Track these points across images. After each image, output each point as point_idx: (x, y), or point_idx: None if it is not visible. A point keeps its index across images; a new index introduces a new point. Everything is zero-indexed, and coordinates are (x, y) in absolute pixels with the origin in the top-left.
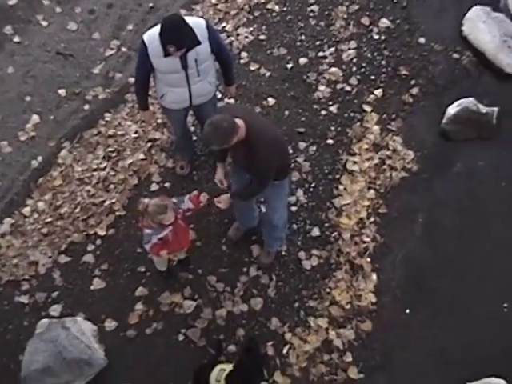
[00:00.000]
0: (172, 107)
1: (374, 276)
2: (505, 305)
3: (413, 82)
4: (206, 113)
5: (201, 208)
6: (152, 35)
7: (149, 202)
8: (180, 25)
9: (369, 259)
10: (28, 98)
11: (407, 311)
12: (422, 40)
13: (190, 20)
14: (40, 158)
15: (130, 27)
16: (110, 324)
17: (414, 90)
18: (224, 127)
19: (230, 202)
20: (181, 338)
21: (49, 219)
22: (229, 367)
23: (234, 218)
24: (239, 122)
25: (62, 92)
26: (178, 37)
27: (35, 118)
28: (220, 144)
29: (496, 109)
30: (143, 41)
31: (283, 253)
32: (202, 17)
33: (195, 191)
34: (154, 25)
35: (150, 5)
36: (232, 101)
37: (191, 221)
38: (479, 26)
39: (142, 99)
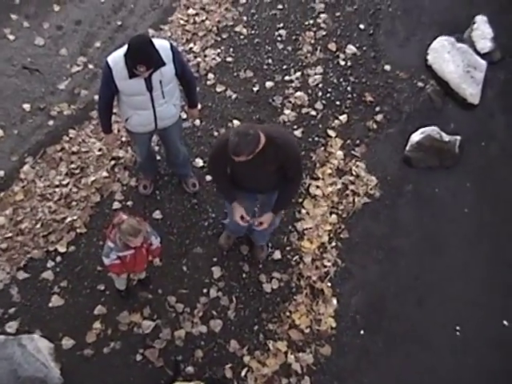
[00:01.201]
0: (137, 130)
1: (335, 301)
2: (457, 328)
3: (378, 108)
4: (172, 136)
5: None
6: (116, 57)
7: (125, 220)
8: (148, 44)
9: (329, 284)
10: None
11: (361, 332)
12: (387, 67)
13: (154, 41)
14: (2, 173)
15: (97, 44)
16: (67, 342)
17: (379, 117)
18: (252, 134)
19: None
20: (139, 357)
21: (8, 234)
22: None
23: (196, 238)
24: (257, 130)
25: (26, 107)
26: (146, 56)
27: None
28: (250, 152)
29: (459, 137)
30: (107, 63)
31: (244, 275)
32: (170, 37)
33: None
34: (120, 46)
35: (119, 23)
36: (197, 122)
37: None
38: (444, 56)
39: (106, 122)
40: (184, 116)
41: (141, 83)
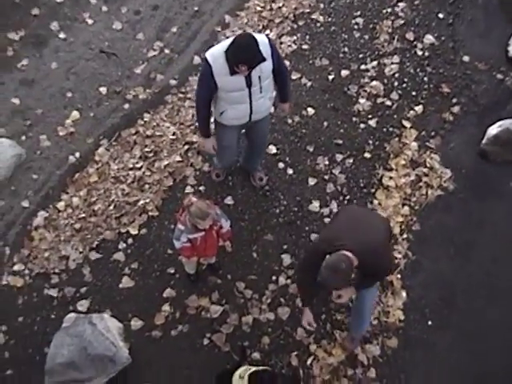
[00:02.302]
0: (232, 124)
1: (404, 293)
2: None
3: (454, 100)
4: (263, 128)
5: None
6: (216, 54)
7: (194, 202)
8: (253, 44)
9: (399, 276)
10: (69, 94)
11: (429, 326)
12: (466, 58)
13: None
14: (77, 154)
15: (174, 30)
16: (136, 323)
17: (455, 109)
18: (342, 269)
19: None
20: (205, 342)
21: (82, 215)
22: (255, 368)
23: (267, 225)
24: (349, 254)
25: (103, 90)
26: (250, 56)
27: (75, 114)
28: (342, 285)
29: None
30: (207, 60)
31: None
32: (246, 23)
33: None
34: (197, 31)
35: (195, 8)
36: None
37: None
38: None
39: (205, 124)
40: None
41: (241, 80)
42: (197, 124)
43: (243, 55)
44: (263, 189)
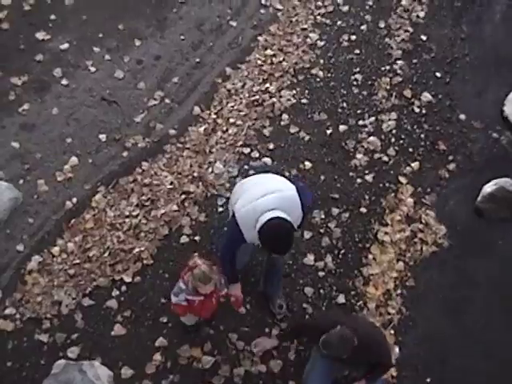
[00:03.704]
0: (254, 242)
1: (397, 349)
2: None
3: (450, 157)
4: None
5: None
6: (248, 224)
7: (199, 265)
8: (290, 238)
9: (392, 331)
10: (69, 140)
11: (428, 380)
12: (462, 117)
13: (289, 203)
14: (74, 200)
15: (175, 80)
16: (126, 372)
17: (451, 166)
18: (349, 342)
19: None
20: None
21: (77, 261)
22: None
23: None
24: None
25: (102, 137)
26: (284, 250)
27: (74, 159)
28: (340, 354)
29: None
30: (237, 224)
31: (306, 317)
32: (246, 76)
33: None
34: (198, 81)
35: (197, 60)
36: (269, 161)
37: None
38: None
39: (233, 272)
40: None
41: None
42: (222, 265)
43: (277, 248)
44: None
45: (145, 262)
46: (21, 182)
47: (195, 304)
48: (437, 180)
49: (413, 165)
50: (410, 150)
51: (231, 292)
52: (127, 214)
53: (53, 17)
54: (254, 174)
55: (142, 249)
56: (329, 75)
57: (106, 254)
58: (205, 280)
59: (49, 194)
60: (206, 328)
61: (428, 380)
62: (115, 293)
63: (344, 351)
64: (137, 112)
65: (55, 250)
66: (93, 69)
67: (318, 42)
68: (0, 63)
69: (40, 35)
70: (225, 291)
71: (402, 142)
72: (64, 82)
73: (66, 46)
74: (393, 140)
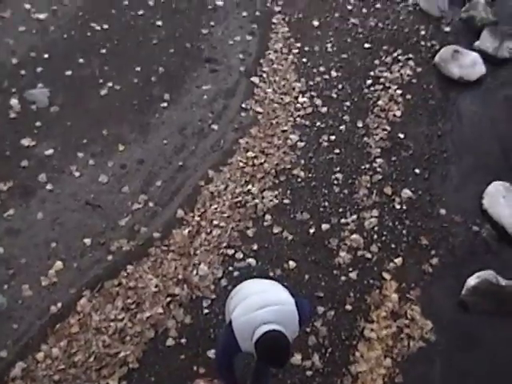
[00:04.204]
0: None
1: None
2: None
3: (433, 252)
4: None
5: None
6: (244, 334)
7: None
8: (287, 352)
9: None
10: (54, 244)
11: None
12: (442, 211)
13: (287, 318)
14: (59, 304)
15: (158, 183)
16: None
17: (434, 260)
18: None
19: None
20: None
21: (62, 366)
22: None
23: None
24: None
25: (87, 241)
26: (281, 362)
27: (59, 264)
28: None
29: None
30: (233, 332)
31: None
32: (229, 178)
33: None
34: (181, 185)
35: (180, 163)
36: (253, 262)
37: None
38: (499, 201)
39: (233, 378)
40: None
41: None
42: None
43: (273, 362)
44: None
45: (130, 365)
46: (5, 287)
47: None
48: (420, 275)
49: (396, 260)
50: (393, 245)
51: None
52: (112, 317)
53: (38, 123)
54: (242, 276)
55: (128, 353)
56: (310, 175)
57: (91, 359)
58: None
59: (33, 299)
60: None
61: None
62: None
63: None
64: (121, 216)
65: (40, 355)
66: (77, 174)
67: (299, 142)
68: None
69: (25, 141)
70: None
71: (384, 238)
72: (49, 187)
73: (50, 151)
74: (375, 237)
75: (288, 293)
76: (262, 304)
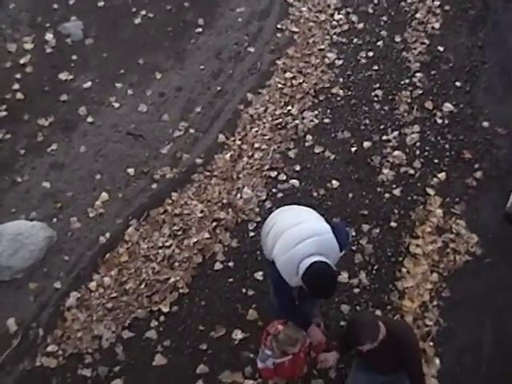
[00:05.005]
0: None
1: (437, 361)
2: None
3: (476, 165)
4: None
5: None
6: (290, 272)
7: (281, 330)
8: (334, 281)
9: (432, 343)
10: (98, 176)
11: None
12: (485, 124)
13: (327, 246)
14: (108, 235)
15: (197, 109)
16: None
17: (478, 174)
18: (369, 321)
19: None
20: None
21: (114, 294)
22: None
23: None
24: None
25: (130, 171)
26: (329, 293)
27: (104, 195)
28: (371, 340)
29: None
30: (280, 275)
31: None
32: (268, 100)
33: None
34: (220, 109)
35: (218, 88)
36: (296, 183)
37: None
38: None
39: (301, 318)
40: None
41: None
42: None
43: (322, 293)
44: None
45: (181, 291)
46: (54, 220)
47: (285, 365)
48: (464, 189)
49: (439, 176)
50: (436, 161)
51: (312, 338)
52: (160, 244)
53: (74, 57)
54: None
55: (178, 278)
56: (349, 93)
57: (142, 286)
58: (292, 342)
59: (82, 231)
60: (245, 352)
61: None
62: (154, 323)
63: (368, 335)
64: (163, 144)
65: (92, 285)
66: (116, 104)
67: (336, 61)
68: (26, 106)
69: (63, 76)
70: (308, 341)
71: (426, 153)
72: (89, 119)
73: (88, 84)
74: (417, 152)
75: (322, 219)
76: (299, 238)
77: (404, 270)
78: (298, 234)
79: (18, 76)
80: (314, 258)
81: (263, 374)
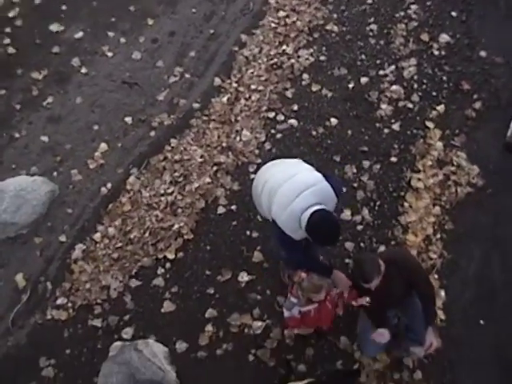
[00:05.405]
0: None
1: (443, 293)
2: None
3: (475, 96)
4: None
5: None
6: (292, 227)
7: (305, 278)
8: (337, 227)
9: (436, 276)
10: (96, 127)
11: (481, 322)
12: (482, 54)
13: (323, 195)
14: (109, 185)
15: (192, 54)
16: (180, 346)
17: (477, 105)
18: (368, 257)
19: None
20: (251, 358)
21: (119, 244)
22: (301, 383)
23: None
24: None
25: (128, 120)
26: (335, 238)
27: (103, 146)
28: (377, 273)
29: None
30: (283, 232)
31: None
32: (262, 40)
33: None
34: (214, 53)
35: (211, 31)
36: (295, 123)
37: None
38: None
39: (321, 266)
40: None
41: None
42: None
43: (328, 240)
44: None
45: (185, 237)
46: (55, 174)
47: (311, 314)
48: (464, 120)
49: (438, 108)
50: (434, 93)
51: (338, 283)
52: (162, 192)
53: (64, 7)
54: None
55: (181, 224)
56: (344, 29)
57: (146, 234)
58: (316, 289)
59: (83, 183)
60: (252, 294)
61: (476, 320)
62: (160, 271)
63: (373, 269)
64: (159, 91)
65: (97, 236)
66: (110, 54)
67: None
68: (19, 60)
69: (54, 27)
70: (336, 290)
71: (424, 86)
72: (83, 70)
73: (80, 34)
74: (415, 86)
75: (312, 169)
76: (296, 193)
77: (406, 204)
78: (293, 188)
79: (8, 30)
80: (313, 208)
81: (289, 322)
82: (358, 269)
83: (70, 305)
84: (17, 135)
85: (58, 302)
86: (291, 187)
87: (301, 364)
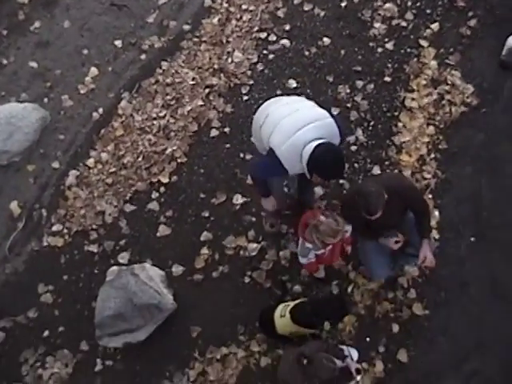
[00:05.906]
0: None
1: (436, 212)
2: None
3: (470, 13)
4: None
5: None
6: (292, 160)
7: (323, 221)
8: (343, 159)
9: (430, 196)
10: (85, 51)
11: (472, 239)
12: None
13: (328, 130)
14: (101, 110)
15: None
16: (177, 269)
17: (472, 22)
18: (375, 190)
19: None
20: (247, 280)
21: (112, 169)
22: (293, 303)
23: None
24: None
25: (118, 43)
26: (340, 172)
27: (93, 70)
28: (382, 205)
29: None
30: (280, 162)
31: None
32: None
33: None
34: None
35: None
36: (287, 43)
37: None
38: None
39: (267, 188)
40: None
41: None
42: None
43: (333, 174)
44: None
45: (179, 160)
46: (45, 100)
47: (325, 255)
48: (459, 38)
49: (432, 26)
50: (428, 11)
51: (269, 204)
52: (154, 116)
53: None
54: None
55: (175, 148)
56: None
57: (140, 159)
58: (334, 234)
59: (75, 108)
60: (247, 216)
61: (469, 239)
62: (155, 195)
63: (380, 202)
64: (148, 13)
65: (90, 162)
66: None
67: None
68: None
69: None
70: (349, 229)
71: (418, 4)
72: None
73: None
74: (409, 4)
75: (316, 106)
76: (298, 125)
77: (400, 124)
78: (297, 121)
79: None
80: (317, 141)
81: (307, 268)
82: (364, 202)
83: (65, 231)
84: (5, 62)
85: (54, 228)
86: (295, 120)
87: (296, 285)
